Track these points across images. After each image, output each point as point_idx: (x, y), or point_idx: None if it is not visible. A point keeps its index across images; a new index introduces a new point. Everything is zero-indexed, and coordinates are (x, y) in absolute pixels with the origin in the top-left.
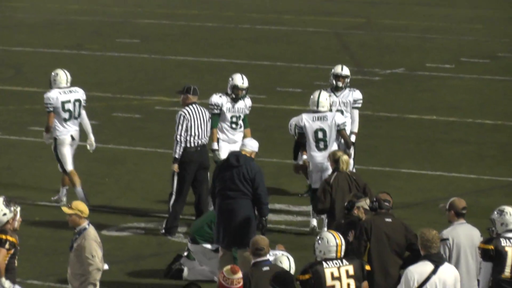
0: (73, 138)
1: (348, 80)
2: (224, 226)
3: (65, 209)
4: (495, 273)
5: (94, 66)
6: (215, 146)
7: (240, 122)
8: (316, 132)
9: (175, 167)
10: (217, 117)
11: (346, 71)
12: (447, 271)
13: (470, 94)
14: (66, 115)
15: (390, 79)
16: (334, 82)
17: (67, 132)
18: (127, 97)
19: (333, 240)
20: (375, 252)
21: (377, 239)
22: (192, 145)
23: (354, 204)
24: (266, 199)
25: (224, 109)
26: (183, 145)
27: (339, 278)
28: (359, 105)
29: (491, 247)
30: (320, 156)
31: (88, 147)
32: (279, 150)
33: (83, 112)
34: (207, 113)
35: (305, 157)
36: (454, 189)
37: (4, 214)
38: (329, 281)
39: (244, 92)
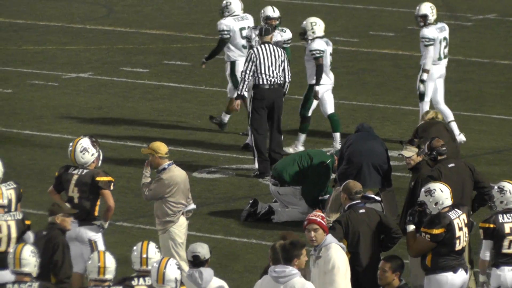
0: None
1: (421, 20)
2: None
3: (142, 150)
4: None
5: (187, 6)
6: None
7: None
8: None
9: (237, 103)
10: None
11: (419, 11)
12: None
13: None
14: None
15: (482, 24)
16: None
17: None
18: None
19: (446, 189)
20: None
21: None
22: (265, 82)
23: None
24: None
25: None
26: (247, 82)
27: (461, 228)
28: (424, 43)
29: (492, 225)
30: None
31: None
32: (371, 94)
33: None
34: (281, 53)
35: None
36: None
37: (93, 154)
38: (457, 233)
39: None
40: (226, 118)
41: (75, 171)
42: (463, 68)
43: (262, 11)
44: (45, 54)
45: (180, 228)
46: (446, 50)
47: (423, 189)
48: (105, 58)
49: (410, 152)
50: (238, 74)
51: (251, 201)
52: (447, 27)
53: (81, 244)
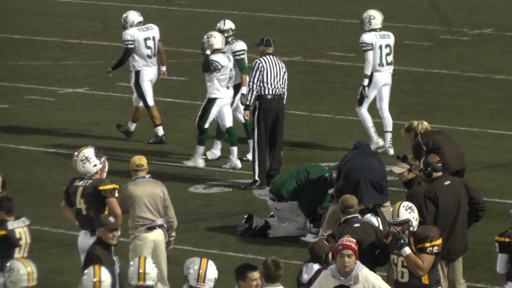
0: None
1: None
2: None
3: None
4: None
5: (184, 22)
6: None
7: None
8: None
9: (246, 113)
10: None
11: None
12: None
13: None
14: None
15: (479, 39)
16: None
17: None
18: None
19: None
20: (443, 218)
21: (444, 206)
22: (270, 92)
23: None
24: None
25: None
26: (255, 93)
27: None
28: (362, 48)
29: (507, 239)
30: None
31: None
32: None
33: None
34: (283, 65)
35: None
36: None
37: (95, 165)
38: None
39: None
40: (132, 127)
41: (80, 183)
42: (459, 83)
43: (218, 25)
44: (42, 69)
45: (141, 242)
46: (389, 58)
47: (402, 208)
48: (101, 74)
49: (401, 169)
50: (143, 83)
51: (246, 216)
52: (392, 36)
53: None
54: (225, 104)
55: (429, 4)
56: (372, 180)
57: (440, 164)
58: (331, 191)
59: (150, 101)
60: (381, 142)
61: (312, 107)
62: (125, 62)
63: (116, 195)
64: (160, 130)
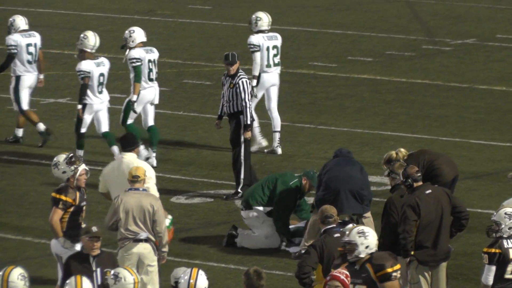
0: None
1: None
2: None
3: None
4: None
5: (166, 32)
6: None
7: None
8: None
9: (248, 134)
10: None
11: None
12: None
13: None
14: None
15: (461, 49)
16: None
17: None
18: (198, 63)
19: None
20: (426, 227)
21: (426, 214)
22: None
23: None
24: None
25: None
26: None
27: None
28: (250, 49)
29: (498, 250)
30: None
31: None
32: (350, 119)
33: None
34: None
35: None
36: None
37: (64, 172)
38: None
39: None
40: (19, 132)
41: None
42: (442, 93)
43: None
44: None
45: (125, 253)
46: (277, 59)
47: (354, 230)
48: None
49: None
50: (22, 89)
51: (231, 227)
52: (279, 37)
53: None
54: (99, 110)
55: (412, 14)
56: (352, 189)
57: (419, 175)
58: (303, 198)
59: (25, 106)
60: (264, 143)
61: (294, 117)
62: (7, 67)
63: (60, 206)
64: (18, 131)
